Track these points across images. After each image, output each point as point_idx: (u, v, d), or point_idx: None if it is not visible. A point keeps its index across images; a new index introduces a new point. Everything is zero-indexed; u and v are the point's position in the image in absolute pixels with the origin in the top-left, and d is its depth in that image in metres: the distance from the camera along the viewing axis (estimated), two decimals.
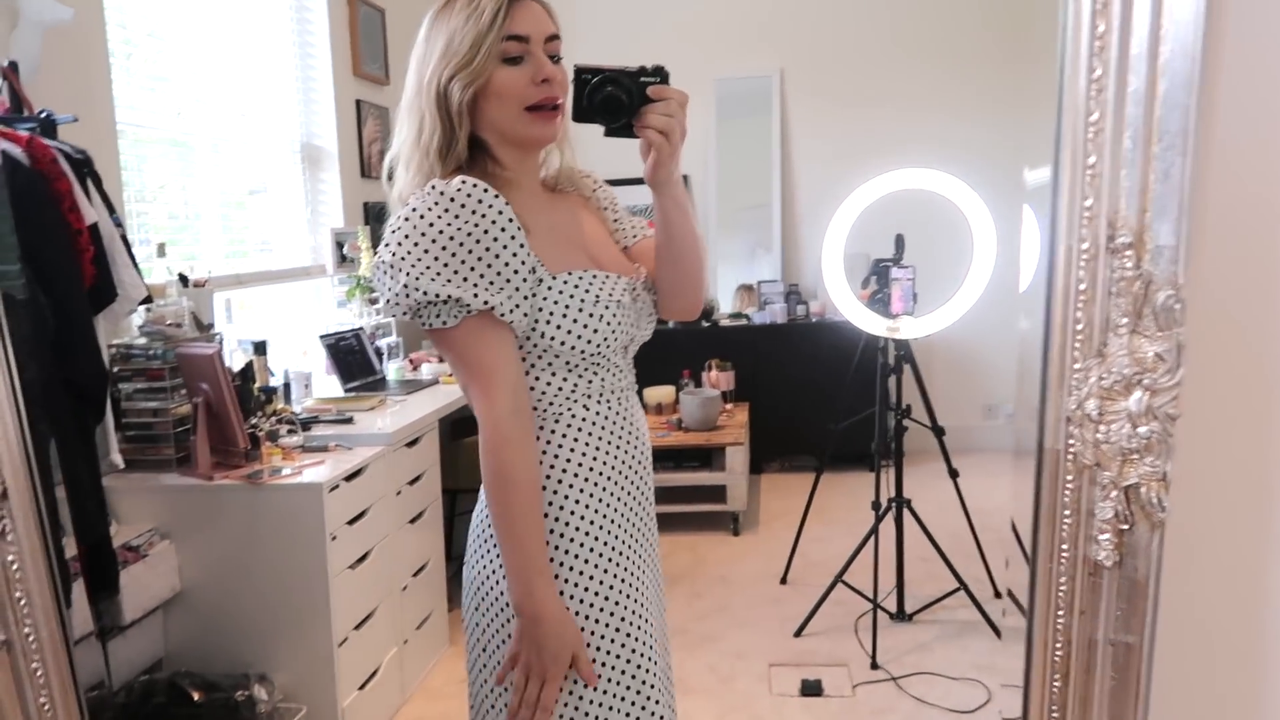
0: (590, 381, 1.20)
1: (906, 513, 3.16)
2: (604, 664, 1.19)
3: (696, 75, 4.98)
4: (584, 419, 1.21)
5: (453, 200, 1.10)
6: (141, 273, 2.08)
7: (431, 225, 1.10)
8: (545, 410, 1.20)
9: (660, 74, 1.14)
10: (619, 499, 1.23)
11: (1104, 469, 0.69)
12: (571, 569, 1.19)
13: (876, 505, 3.14)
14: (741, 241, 5.46)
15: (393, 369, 3.56)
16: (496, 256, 1.11)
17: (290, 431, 2.64)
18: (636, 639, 1.22)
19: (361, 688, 2.45)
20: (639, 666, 1.22)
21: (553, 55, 1.17)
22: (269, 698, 2.19)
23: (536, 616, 1.13)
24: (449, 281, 1.10)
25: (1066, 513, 0.71)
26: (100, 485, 1.91)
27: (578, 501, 1.20)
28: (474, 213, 1.11)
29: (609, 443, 1.22)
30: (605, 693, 1.20)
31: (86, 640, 1.97)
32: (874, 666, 2.88)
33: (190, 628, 2.32)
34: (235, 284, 3.18)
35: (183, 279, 2.69)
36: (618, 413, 1.24)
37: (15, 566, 0.77)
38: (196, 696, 2.13)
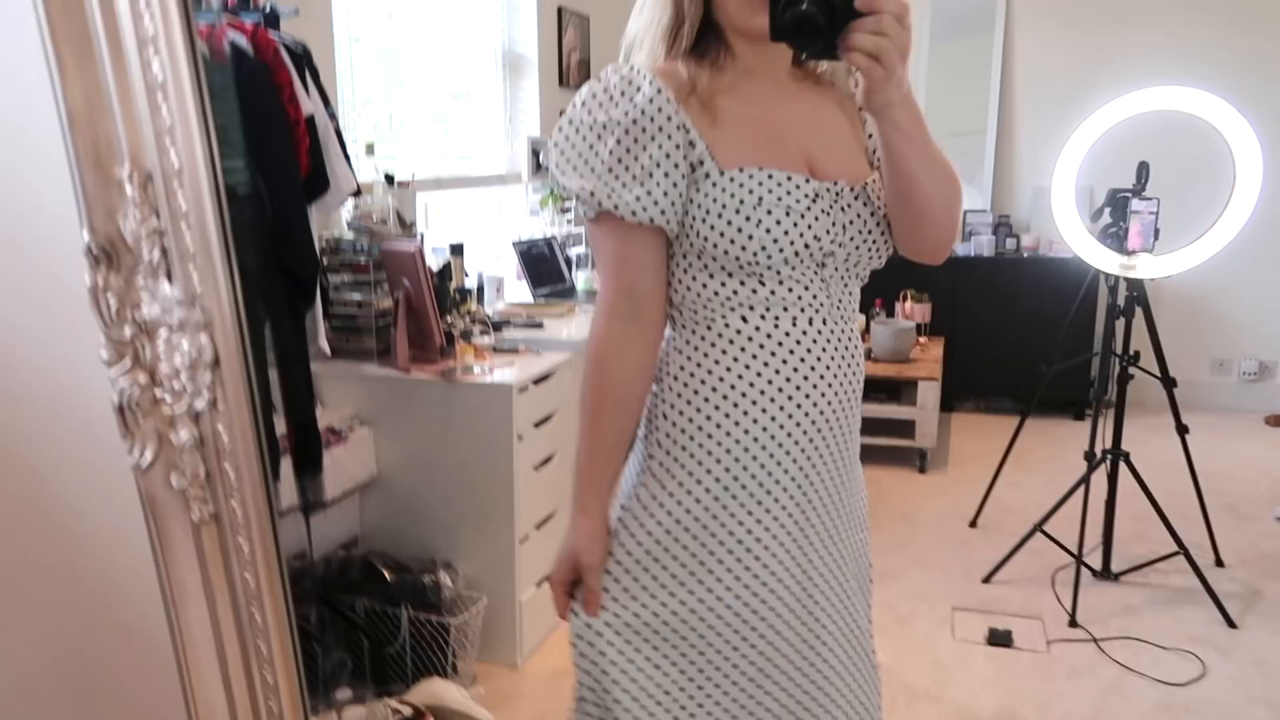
0: (755, 291, 1.08)
1: (1121, 467, 2.88)
2: (662, 620, 1.12)
3: None
4: (739, 330, 1.08)
5: (605, 89, 1.05)
6: (352, 165, 2.12)
7: (579, 114, 1.06)
8: (696, 314, 1.10)
9: None
10: (774, 425, 1.09)
11: None
12: (672, 495, 1.10)
13: (1090, 455, 2.88)
14: None
15: (581, 278, 3.56)
16: (638, 150, 1.04)
17: (483, 332, 2.68)
18: (715, 610, 1.11)
19: (539, 585, 2.50)
20: (717, 651, 1.13)
21: None
22: (453, 585, 2.27)
23: (576, 506, 1.11)
24: (582, 175, 1.05)
25: None
26: (309, 367, 1.99)
27: (708, 418, 1.09)
28: (619, 103, 1.04)
29: (767, 364, 1.08)
30: (659, 656, 1.13)
31: (290, 514, 2.09)
32: (1073, 624, 2.68)
33: (384, 511, 2.43)
34: (435, 186, 3.24)
35: (388, 179, 2.76)
36: (788, 333, 1.08)
37: (225, 439, 0.77)
38: (388, 575, 2.23)
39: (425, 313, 2.40)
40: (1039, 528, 2.95)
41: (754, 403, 1.08)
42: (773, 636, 1.13)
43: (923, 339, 4.41)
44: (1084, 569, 2.83)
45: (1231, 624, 2.66)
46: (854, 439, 1.19)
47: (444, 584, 2.23)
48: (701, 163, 1.05)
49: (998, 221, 4.78)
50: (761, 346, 1.08)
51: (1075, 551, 2.82)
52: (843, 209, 1.09)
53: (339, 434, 2.33)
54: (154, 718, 1.20)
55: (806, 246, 1.06)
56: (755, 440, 1.09)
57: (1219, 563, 3.06)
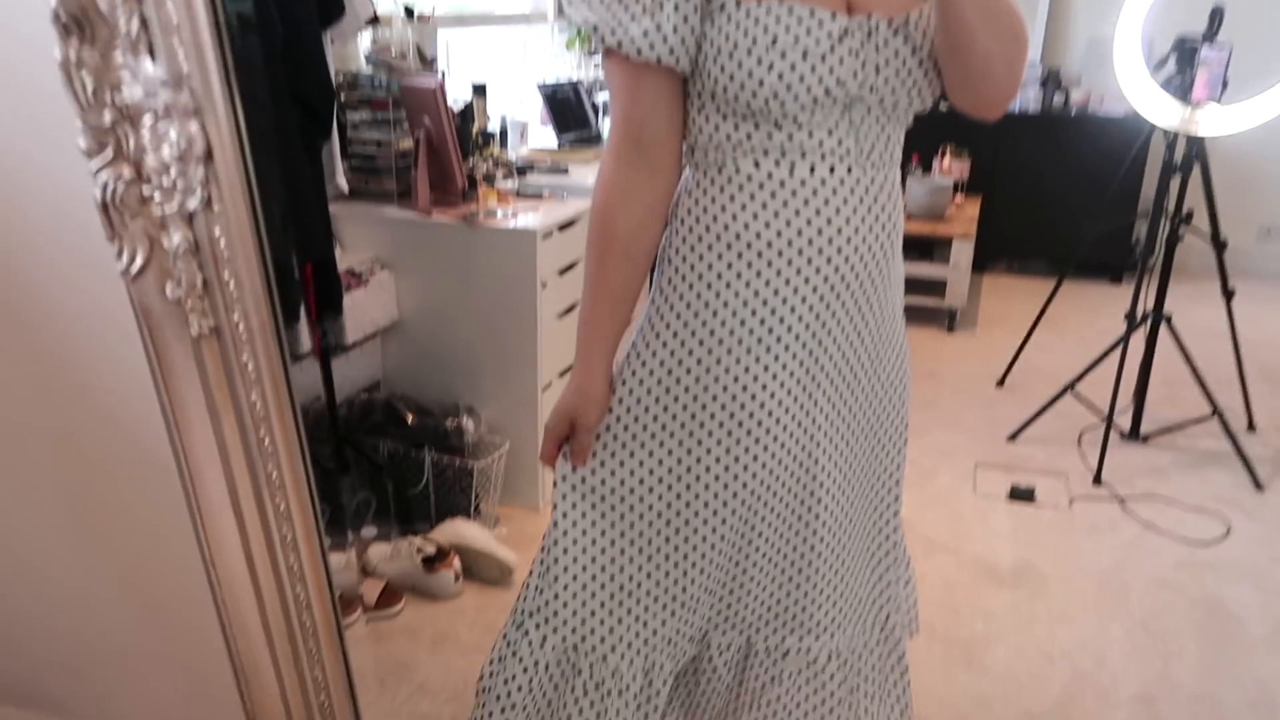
0: (770, 136, 0.99)
1: (1160, 332, 2.80)
2: (657, 465, 1.09)
3: None
4: (749, 176, 1.00)
5: None
6: None
7: None
8: (708, 158, 1.03)
9: None
10: (781, 279, 1.02)
11: None
12: (668, 344, 1.06)
13: (1131, 316, 2.79)
14: None
15: (607, 125, 3.42)
16: None
17: (505, 176, 2.60)
18: (715, 455, 1.07)
19: None
20: (700, 501, 1.09)
21: None
22: (475, 429, 2.26)
23: (579, 357, 1.07)
24: (590, 6, 0.97)
25: None
26: (326, 204, 1.92)
27: (709, 266, 1.03)
28: None
29: (778, 213, 1.00)
30: (642, 506, 1.10)
31: (309, 358, 2.07)
32: (1097, 483, 2.66)
33: (405, 356, 2.41)
34: (456, 23, 3.09)
35: (408, 11, 2.62)
36: (804, 181, 1.00)
37: (223, 244, 0.70)
38: (410, 418, 2.23)
39: (447, 153, 2.31)
40: (1071, 387, 2.90)
41: (759, 254, 1.01)
42: (762, 503, 1.10)
43: (959, 197, 4.26)
44: (1112, 431, 2.79)
45: (1259, 486, 2.64)
46: (885, 298, 1.10)
47: (466, 428, 2.23)
48: None
49: (1047, 75, 4.54)
50: (773, 195, 1.00)
51: (1106, 411, 2.78)
52: (877, 48, 0.97)
53: (359, 277, 2.29)
54: (163, 543, 1.21)
55: (828, 92, 0.96)
56: (759, 293, 1.02)
57: (1251, 427, 3.02)
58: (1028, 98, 4.51)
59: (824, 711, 1.20)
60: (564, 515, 1.11)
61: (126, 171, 0.66)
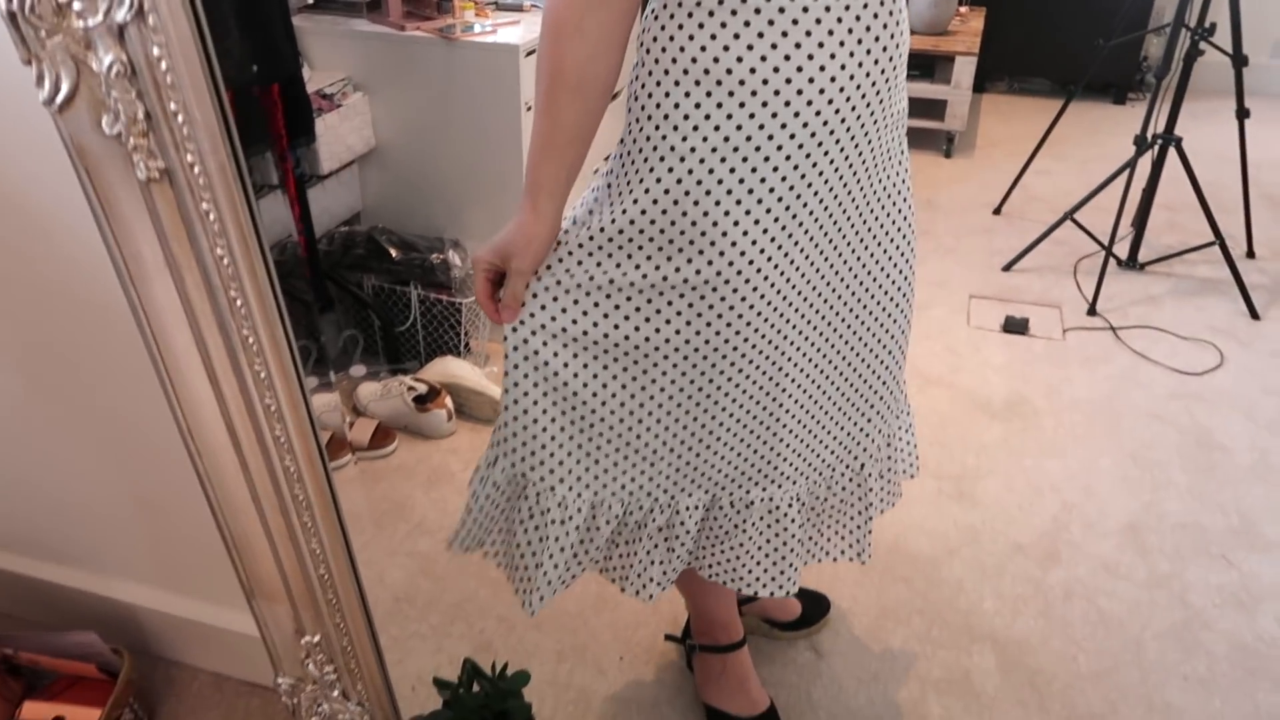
0: None
1: (1170, 155, 2.70)
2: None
3: None
4: (721, 20, 0.86)
5: None
6: None
7: None
8: None
9: None
10: (763, 114, 0.89)
11: None
12: (641, 182, 0.93)
13: (1141, 139, 2.68)
14: None
15: None
16: None
17: None
18: (747, 316, 0.99)
19: None
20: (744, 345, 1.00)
21: None
22: (463, 264, 2.18)
23: (527, 195, 0.93)
24: None
25: None
26: (288, 14, 1.75)
27: (677, 106, 0.89)
28: None
29: (763, 34, 0.85)
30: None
31: (281, 191, 1.95)
32: (1092, 313, 2.63)
33: (386, 184, 2.29)
34: None
35: None
36: (787, 32, 0.85)
37: (164, 66, 0.58)
38: (394, 254, 2.13)
39: None
40: (1070, 215, 2.82)
41: (735, 90, 0.87)
42: (728, 363, 1.01)
43: (963, 8, 4.02)
44: (1110, 259, 2.74)
45: (1255, 315, 2.62)
46: (887, 131, 0.98)
47: (453, 263, 2.14)
48: None
49: None
50: (758, 11, 0.85)
51: (1105, 241, 2.72)
52: None
53: (330, 99, 2.13)
54: (138, 413, 1.14)
55: None
56: (731, 138, 0.89)
57: (1250, 254, 2.97)
58: None
59: (785, 551, 1.19)
60: (515, 349, 1.01)
61: None
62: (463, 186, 2.23)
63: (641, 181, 0.93)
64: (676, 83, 0.88)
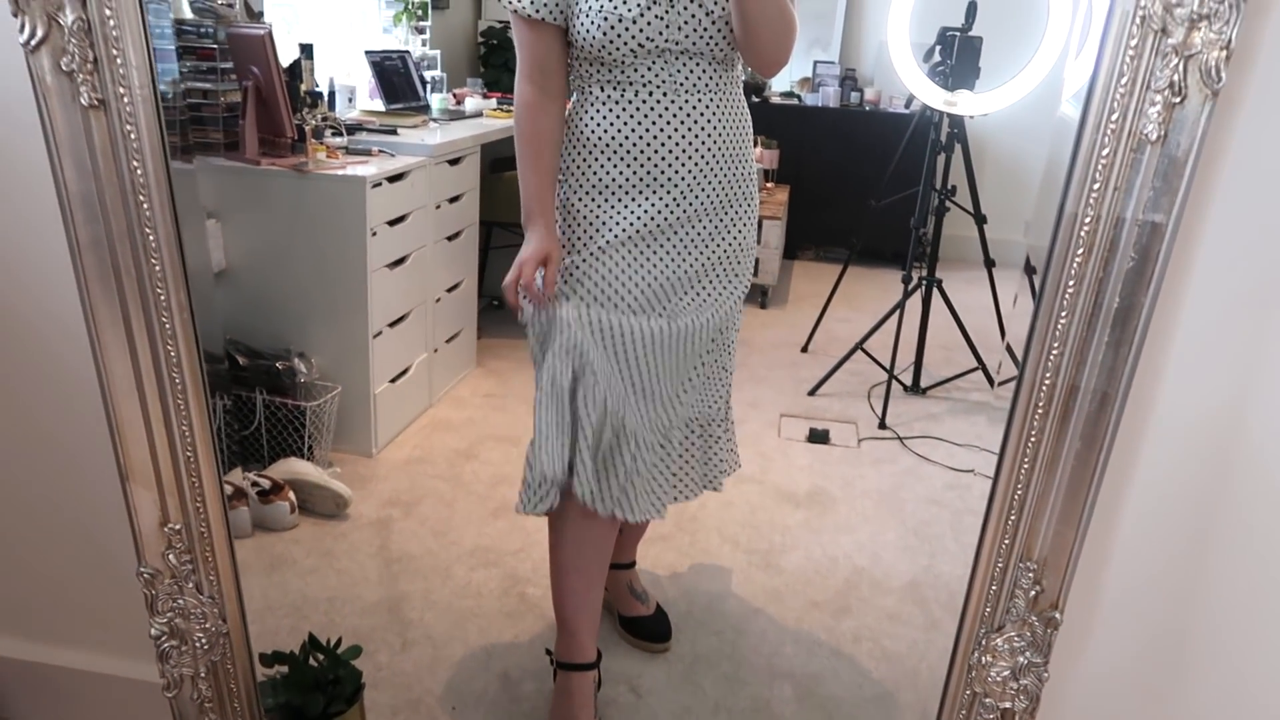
0: (612, 72, 1.40)
1: (935, 295, 3.18)
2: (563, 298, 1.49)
3: None
4: (601, 100, 1.42)
5: None
6: None
7: (473, 12, 1.45)
8: (579, 84, 1.45)
9: None
10: (624, 170, 1.43)
11: (1169, 35, 0.69)
12: (571, 208, 1.49)
13: (906, 278, 3.16)
14: (800, 35, 5.20)
15: (436, 99, 3.52)
16: None
17: (335, 133, 2.66)
18: (584, 284, 1.48)
19: (393, 381, 2.59)
20: (583, 306, 1.48)
21: None
22: (308, 372, 2.32)
23: (528, 221, 1.47)
24: None
25: (1123, 79, 0.72)
26: None
27: (585, 158, 1.46)
28: None
29: (623, 124, 1.42)
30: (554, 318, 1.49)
31: None
32: (882, 426, 2.99)
33: (237, 303, 2.43)
34: None
35: None
36: (630, 100, 1.40)
37: (112, 24, 0.84)
38: (242, 361, 2.26)
39: (276, 102, 2.36)
40: (860, 346, 3.24)
41: (601, 150, 1.44)
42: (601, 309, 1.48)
43: (770, 184, 4.61)
44: (896, 384, 3.15)
45: None
46: (710, 190, 1.46)
47: (298, 369, 2.29)
48: None
49: (844, 74, 4.96)
50: (611, 110, 1.42)
51: (888, 366, 3.13)
52: (679, 13, 1.36)
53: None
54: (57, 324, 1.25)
55: (641, 45, 1.36)
56: (600, 177, 1.45)
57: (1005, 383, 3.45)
58: (828, 94, 4.92)
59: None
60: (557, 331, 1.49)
61: None
62: (310, 303, 2.41)
63: (563, 204, 1.50)
64: (573, 144, 1.47)
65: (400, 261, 2.56)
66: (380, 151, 2.62)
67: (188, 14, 2.40)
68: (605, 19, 1.34)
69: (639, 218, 1.45)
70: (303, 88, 2.74)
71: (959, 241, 3.36)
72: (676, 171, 1.43)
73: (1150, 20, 0.69)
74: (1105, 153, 0.74)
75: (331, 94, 3.01)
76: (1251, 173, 0.86)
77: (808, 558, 2.19)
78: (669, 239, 1.47)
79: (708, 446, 1.72)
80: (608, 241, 1.46)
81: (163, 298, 0.98)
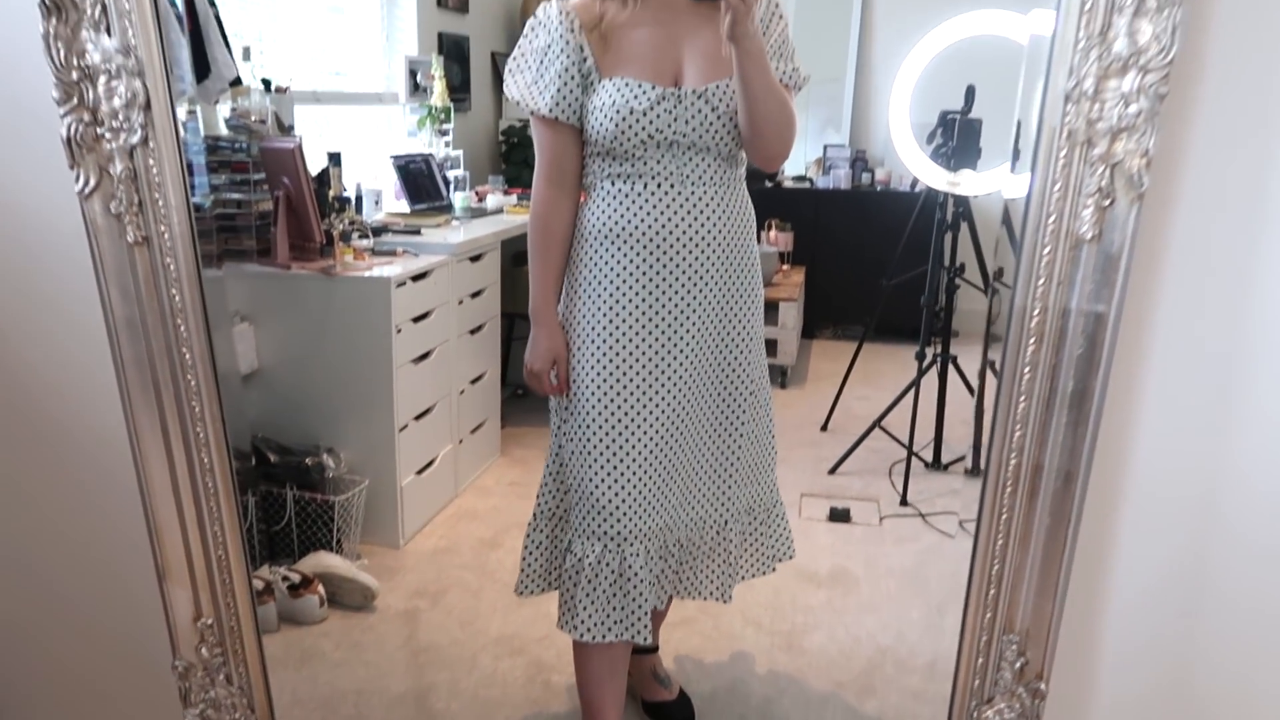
0: (621, 164, 1.49)
1: (951, 370, 3.22)
2: (579, 389, 1.55)
3: None
4: (610, 193, 1.51)
5: (535, 19, 1.50)
6: (233, 56, 2.19)
7: (523, 42, 1.53)
8: (590, 180, 1.54)
9: None
10: (631, 258, 1.50)
11: (1094, 146, 0.76)
12: (577, 297, 1.56)
13: (920, 356, 3.21)
14: (812, 117, 5.39)
15: (459, 198, 3.66)
16: (547, 66, 1.47)
17: (361, 236, 2.78)
18: (601, 380, 1.53)
19: (419, 473, 2.65)
20: (598, 405, 1.53)
21: None
22: (336, 467, 2.40)
23: (535, 320, 1.58)
24: (519, 88, 1.51)
25: (1057, 187, 0.78)
26: None
27: (593, 246, 1.54)
28: (540, 31, 1.49)
29: (630, 213, 1.49)
30: (579, 414, 1.55)
31: None
32: (903, 503, 3.01)
33: (268, 402, 2.52)
34: (312, 100, 3.28)
35: (266, 84, 2.80)
36: (639, 194, 1.48)
37: (155, 172, 0.94)
38: (273, 458, 2.34)
39: (305, 210, 2.49)
40: (878, 423, 3.27)
41: (609, 240, 1.52)
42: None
43: (785, 266, 4.70)
44: (916, 460, 3.17)
45: None
46: (714, 280, 1.54)
47: (327, 465, 2.36)
48: (592, 74, 1.48)
49: (855, 156, 5.09)
50: (618, 201, 1.51)
51: (907, 443, 3.15)
52: (686, 108, 1.45)
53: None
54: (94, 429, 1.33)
55: (650, 137, 1.45)
56: (609, 264, 1.52)
57: None
58: (839, 176, 5.04)
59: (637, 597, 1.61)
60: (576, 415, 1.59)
61: (86, 116, 0.91)
62: (338, 400, 2.49)
63: (571, 294, 1.59)
64: (583, 236, 1.55)
65: (425, 356, 2.65)
66: (404, 252, 2.74)
67: (223, 130, 2.55)
68: (618, 111, 1.43)
69: (644, 307, 1.51)
70: (331, 194, 2.89)
71: (974, 315, 3.43)
72: (683, 259, 1.50)
73: (1075, 135, 0.76)
74: (1047, 251, 0.81)
75: (359, 198, 3.15)
76: (1186, 261, 0.92)
77: (831, 638, 2.19)
78: (675, 328, 1.53)
79: (772, 528, 1.80)
80: (611, 335, 1.52)
81: (197, 409, 1.07)
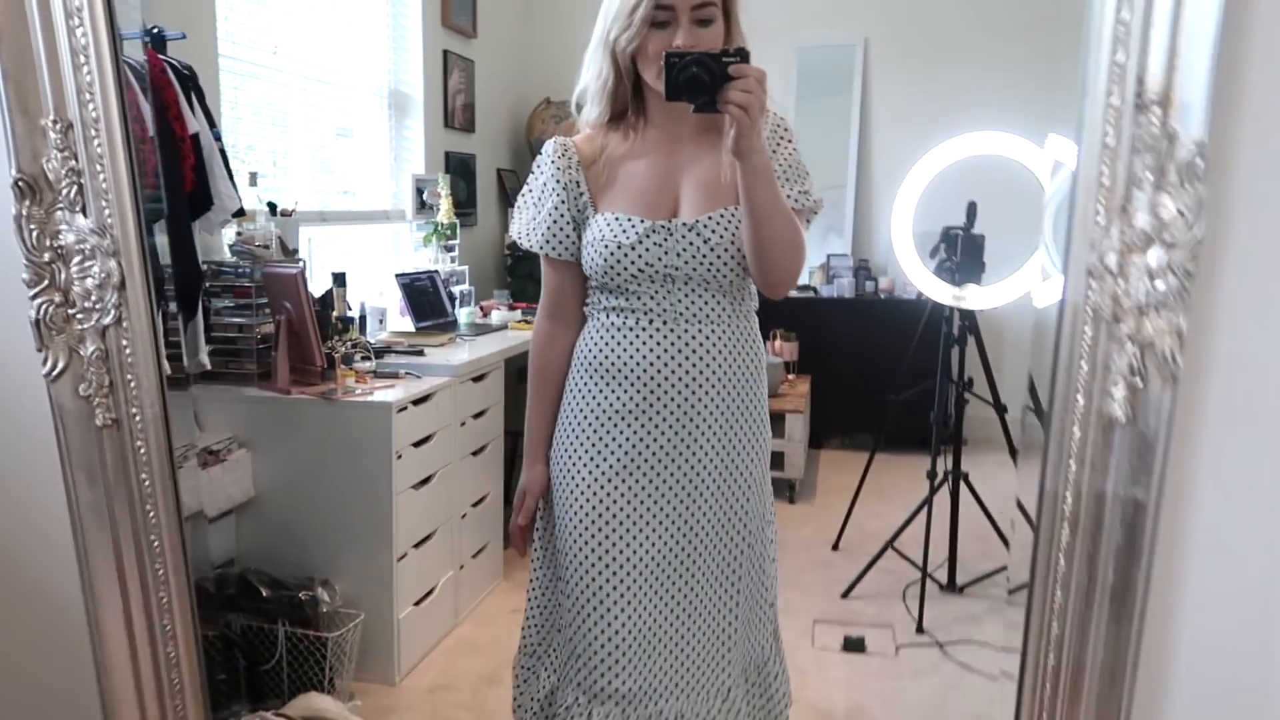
0: (616, 298, 1.45)
1: (963, 488, 3.15)
2: (562, 529, 1.50)
3: (780, 42, 4.98)
4: (605, 325, 1.47)
5: (539, 157, 1.50)
6: (236, 187, 2.19)
7: (529, 178, 1.53)
8: (591, 314, 1.51)
9: (741, 54, 1.27)
10: (620, 395, 1.44)
11: (1121, 323, 0.71)
12: (564, 432, 1.51)
13: (932, 475, 3.13)
14: (815, 225, 5.43)
15: (464, 314, 3.65)
16: (544, 202, 1.48)
17: (364, 358, 2.75)
18: (583, 522, 1.47)
19: (418, 604, 2.56)
20: (581, 549, 1.46)
21: (704, 20, 1.34)
22: (331, 600, 2.31)
23: (525, 453, 1.57)
24: (517, 224, 1.53)
25: (1083, 365, 0.73)
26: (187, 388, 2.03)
27: (585, 381, 1.48)
28: (538, 169, 1.50)
29: (622, 348, 1.44)
30: (563, 556, 1.50)
31: None
32: (919, 631, 2.89)
33: (262, 531, 2.45)
34: (319, 220, 3.31)
35: (271, 207, 2.82)
36: (631, 328, 1.44)
37: (128, 352, 0.89)
38: (265, 592, 2.25)
39: (306, 334, 2.46)
40: (890, 545, 3.18)
41: (597, 372, 1.46)
42: (582, 545, 1.47)
43: (791, 375, 4.66)
44: (932, 582, 3.06)
45: None
46: (704, 424, 1.45)
47: (321, 599, 2.27)
48: (587, 208, 1.47)
49: (858, 265, 5.12)
50: (612, 335, 1.45)
51: (921, 566, 3.05)
52: (677, 241, 1.41)
53: (216, 455, 2.36)
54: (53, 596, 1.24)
55: (641, 270, 1.41)
56: (595, 398, 1.46)
57: None
58: (843, 285, 5.05)
59: None
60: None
61: (57, 297, 0.86)
62: (334, 529, 2.42)
63: (559, 431, 1.53)
64: (575, 367, 1.51)
65: (425, 481, 2.59)
66: (407, 374, 2.71)
67: (227, 256, 2.55)
68: (605, 246, 1.41)
69: (629, 448, 1.44)
70: (335, 314, 2.87)
71: (984, 423, 3.35)
72: (673, 398, 1.43)
73: (1100, 312, 0.71)
74: (1077, 433, 0.75)
75: (363, 317, 3.14)
76: (1229, 442, 0.86)
77: None
78: (665, 472, 1.45)
79: (766, 688, 1.63)
80: (595, 477, 1.45)
81: (165, 600, 1.00)
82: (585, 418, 1.47)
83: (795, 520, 3.99)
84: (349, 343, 2.79)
